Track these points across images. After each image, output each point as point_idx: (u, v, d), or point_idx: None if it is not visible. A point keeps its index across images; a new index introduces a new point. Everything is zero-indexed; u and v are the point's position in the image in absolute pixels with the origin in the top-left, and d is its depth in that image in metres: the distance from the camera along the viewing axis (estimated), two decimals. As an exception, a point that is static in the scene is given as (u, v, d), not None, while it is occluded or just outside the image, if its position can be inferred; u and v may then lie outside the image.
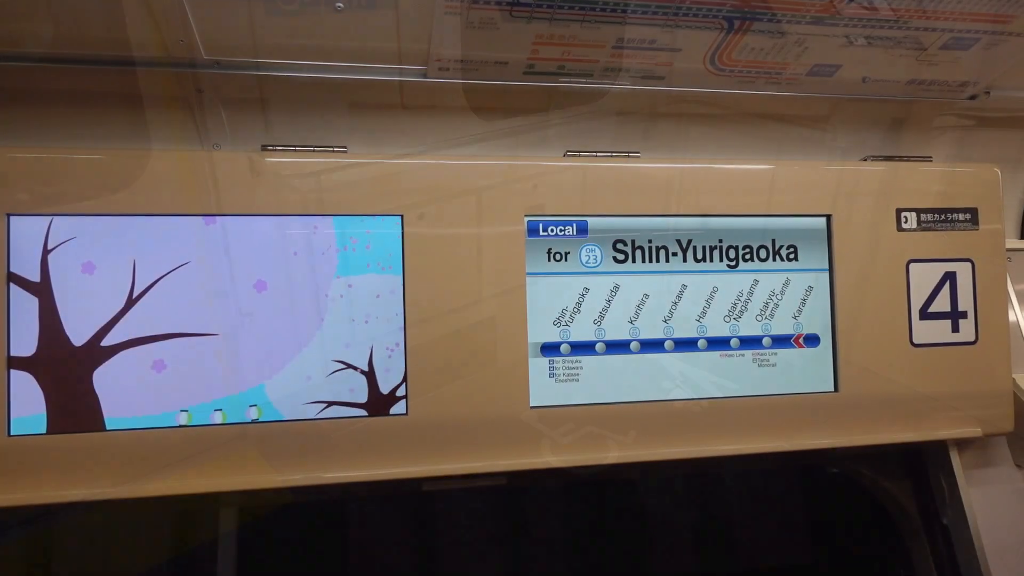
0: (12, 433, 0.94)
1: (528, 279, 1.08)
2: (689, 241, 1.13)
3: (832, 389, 1.16)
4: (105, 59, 0.98)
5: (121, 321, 0.97)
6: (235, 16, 0.93)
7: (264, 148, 1.05)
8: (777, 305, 1.15)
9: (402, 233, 1.05)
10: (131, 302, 0.97)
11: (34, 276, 0.95)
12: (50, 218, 0.96)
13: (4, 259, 0.95)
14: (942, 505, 1.30)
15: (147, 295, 0.98)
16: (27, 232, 0.96)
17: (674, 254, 1.13)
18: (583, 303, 1.10)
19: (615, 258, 1.11)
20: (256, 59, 1.02)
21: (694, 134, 1.26)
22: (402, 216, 1.05)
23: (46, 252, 0.96)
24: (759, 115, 1.28)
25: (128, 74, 1.01)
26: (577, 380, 1.09)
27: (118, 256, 0.97)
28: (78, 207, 0.97)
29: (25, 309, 0.95)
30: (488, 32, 0.97)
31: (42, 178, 0.97)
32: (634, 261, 1.12)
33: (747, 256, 1.15)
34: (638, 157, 1.15)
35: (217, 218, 1.01)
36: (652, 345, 1.11)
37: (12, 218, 0.95)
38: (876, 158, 1.25)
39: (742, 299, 1.14)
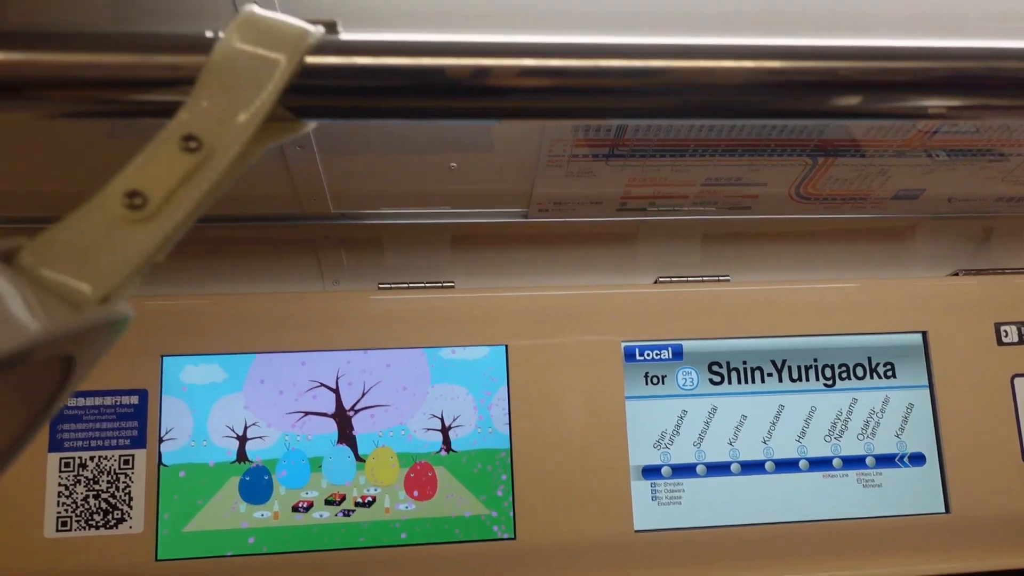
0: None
1: (627, 403, 1.12)
2: (784, 361, 1.16)
3: (943, 510, 1.13)
4: (250, 216, 1.11)
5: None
6: (361, 177, 1.05)
7: (380, 286, 1.15)
8: (878, 423, 1.15)
9: (507, 362, 1.12)
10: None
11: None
12: (197, 357, 1.08)
13: (157, 390, 1.06)
14: (1074, 631, 1.22)
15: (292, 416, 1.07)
16: (177, 371, 1.07)
17: (769, 375, 1.15)
18: (682, 425, 1.13)
19: (711, 380, 1.14)
20: (375, 209, 1.13)
21: (781, 254, 1.30)
22: (507, 346, 1.12)
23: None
24: (844, 231, 1.32)
25: (267, 227, 1.14)
26: (680, 503, 1.11)
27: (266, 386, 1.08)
28: (221, 346, 1.09)
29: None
30: (586, 178, 1.05)
31: (191, 321, 1.09)
32: (730, 383, 1.15)
33: (843, 375, 1.16)
34: (728, 281, 1.20)
35: (337, 352, 1.10)
36: (752, 466, 1.12)
37: (165, 359, 1.07)
38: (968, 272, 1.26)
39: (841, 418, 1.15)
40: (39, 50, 0.34)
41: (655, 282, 1.20)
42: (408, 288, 1.15)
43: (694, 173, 1.06)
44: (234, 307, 1.11)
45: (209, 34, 0.35)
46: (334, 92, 0.36)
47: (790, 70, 0.41)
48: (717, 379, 1.15)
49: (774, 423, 1.14)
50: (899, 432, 1.15)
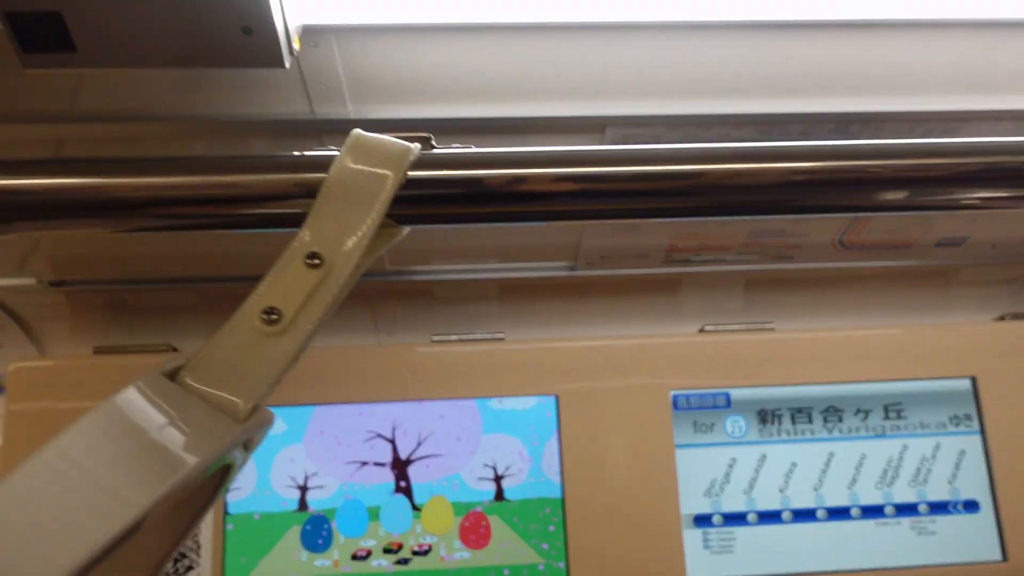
0: None
1: (677, 451, 1.14)
2: (831, 408, 1.17)
3: (1000, 558, 1.12)
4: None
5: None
6: (416, 234, 1.10)
7: (433, 339, 1.19)
8: (930, 470, 1.15)
9: (558, 412, 1.15)
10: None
11: (247, 463, 1.11)
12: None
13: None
14: None
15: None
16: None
17: (819, 424, 1.16)
18: (731, 473, 1.14)
19: (760, 428, 1.16)
20: (427, 265, 1.18)
21: (823, 299, 1.32)
22: (557, 396, 1.15)
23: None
24: (887, 275, 1.33)
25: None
26: (732, 552, 1.11)
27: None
28: (282, 398, 1.13)
29: (239, 493, 1.10)
30: (632, 232, 1.09)
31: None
32: (779, 431, 1.16)
33: (892, 421, 1.17)
34: (772, 329, 1.21)
35: (392, 404, 1.14)
36: (804, 515, 1.13)
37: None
38: (1016, 316, 1.26)
39: (892, 465, 1.15)
40: (177, 173, 0.39)
41: (700, 331, 1.22)
42: (460, 341, 1.19)
43: (739, 225, 1.09)
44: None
45: (321, 152, 0.40)
46: (432, 201, 0.41)
47: (819, 170, 0.44)
48: (766, 427, 1.16)
49: (824, 471, 1.14)
50: (951, 479, 1.15)
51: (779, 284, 1.32)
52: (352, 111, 0.83)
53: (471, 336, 1.19)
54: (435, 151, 0.42)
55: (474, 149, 0.41)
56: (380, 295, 1.24)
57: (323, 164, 0.39)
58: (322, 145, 0.90)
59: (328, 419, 1.14)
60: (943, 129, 0.92)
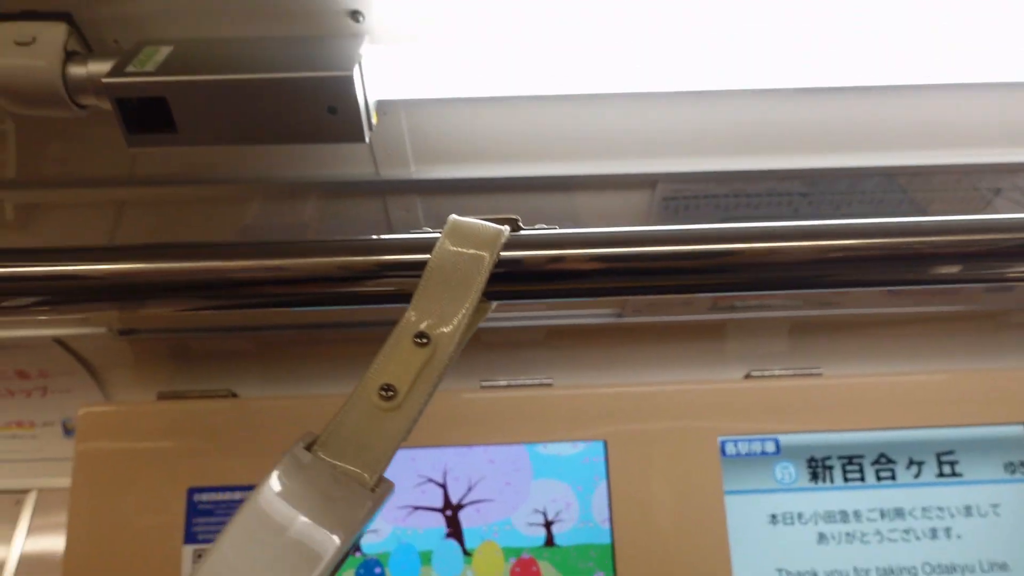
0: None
1: (726, 498, 1.14)
2: (883, 455, 1.16)
3: (1065, 613, 1.10)
4: (358, 322, 1.21)
5: (371, 546, 1.12)
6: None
7: (482, 385, 1.22)
8: (988, 519, 1.14)
9: (606, 458, 1.16)
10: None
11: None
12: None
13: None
14: None
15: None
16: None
17: (873, 473, 1.16)
18: (783, 520, 1.14)
19: (810, 475, 1.16)
20: (478, 312, 1.21)
21: (870, 344, 1.32)
22: (605, 441, 1.17)
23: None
24: (933, 319, 1.33)
25: (376, 331, 1.23)
26: (784, 602, 1.11)
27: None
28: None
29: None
30: (678, 282, 1.11)
31: (310, 420, 1.18)
32: (831, 478, 1.15)
33: (946, 469, 1.16)
34: (820, 375, 1.22)
35: (443, 448, 1.17)
36: (857, 567, 1.12)
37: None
38: (1070, 361, 1.25)
39: (950, 514, 1.14)
40: (295, 256, 0.42)
41: (746, 376, 1.23)
42: (508, 387, 1.21)
43: (784, 274, 1.11)
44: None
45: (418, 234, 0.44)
46: (522, 278, 0.44)
47: (856, 247, 0.46)
48: (816, 474, 1.16)
49: (879, 519, 1.14)
50: (1014, 530, 1.13)
51: (824, 328, 1.33)
52: (415, 172, 0.87)
53: (519, 382, 1.22)
54: (522, 232, 0.45)
55: (558, 230, 0.45)
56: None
57: (424, 246, 0.43)
58: (384, 204, 0.94)
59: (381, 464, 1.17)
60: (990, 180, 0.94)
